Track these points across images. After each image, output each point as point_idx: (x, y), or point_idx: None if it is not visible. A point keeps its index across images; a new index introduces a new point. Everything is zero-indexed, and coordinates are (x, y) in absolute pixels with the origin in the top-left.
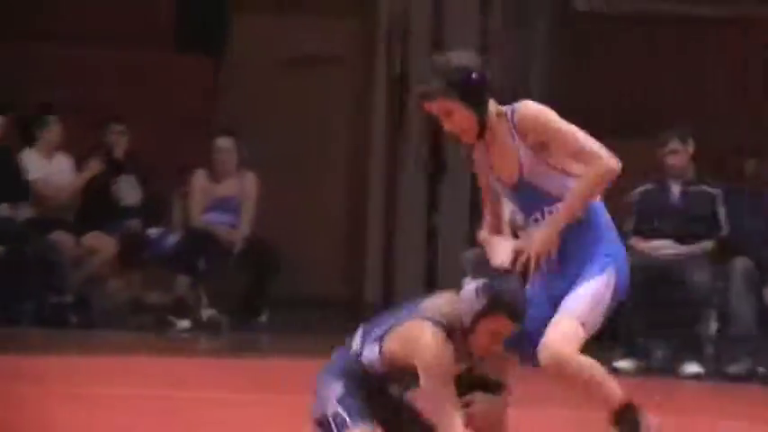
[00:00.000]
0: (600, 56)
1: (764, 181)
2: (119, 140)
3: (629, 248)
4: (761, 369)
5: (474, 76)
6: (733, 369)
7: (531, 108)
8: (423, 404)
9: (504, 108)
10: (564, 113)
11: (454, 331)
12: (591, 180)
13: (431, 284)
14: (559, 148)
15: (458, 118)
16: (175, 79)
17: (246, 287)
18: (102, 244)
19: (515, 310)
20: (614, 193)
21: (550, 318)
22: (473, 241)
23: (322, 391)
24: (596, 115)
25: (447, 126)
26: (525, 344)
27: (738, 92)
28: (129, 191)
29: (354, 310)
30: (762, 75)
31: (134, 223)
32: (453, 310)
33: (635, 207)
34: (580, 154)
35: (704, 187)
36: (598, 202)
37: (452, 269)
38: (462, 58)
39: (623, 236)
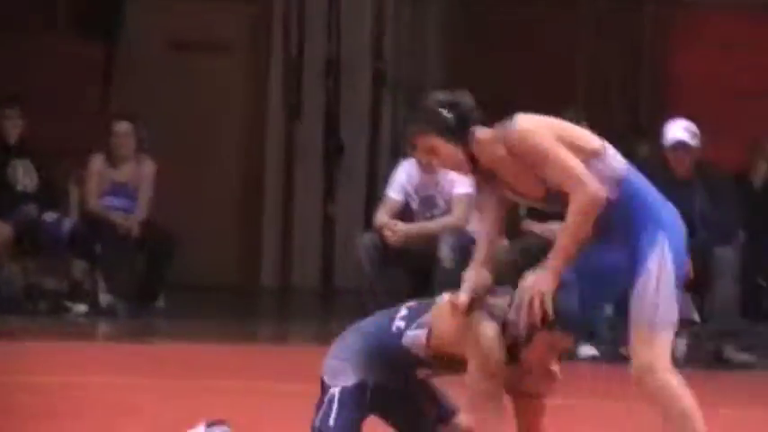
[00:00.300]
0: (495, 37)
1: (657, 163)
2: (13, 125)
3: (523, 232)
4: None
5: (448, 108)
6: (627, 350)
7: (517, 130)
8: (466, 399)
9: (499, 130)
10: None
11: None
12: (577, 217)
13: (327, 270)
14: (545, 173)
15: (443, 154)
16: (71, 63)
17: (143, 272)
18: None
19: (576, 326)
20: None
21: (594, 291)
22: (369, 227)
23: (341, 360)
24: (492, 96)
25: (438, 164)
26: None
27: (631, 74)
28: (24, 176)
29: (251, 295)
30: (652, 57)
31: (30, 208)
32: (513, 316)
33: None
34: (564, 184)
35: None
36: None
37: (348, 255)
38: (438, 95)
39: (518, 218)
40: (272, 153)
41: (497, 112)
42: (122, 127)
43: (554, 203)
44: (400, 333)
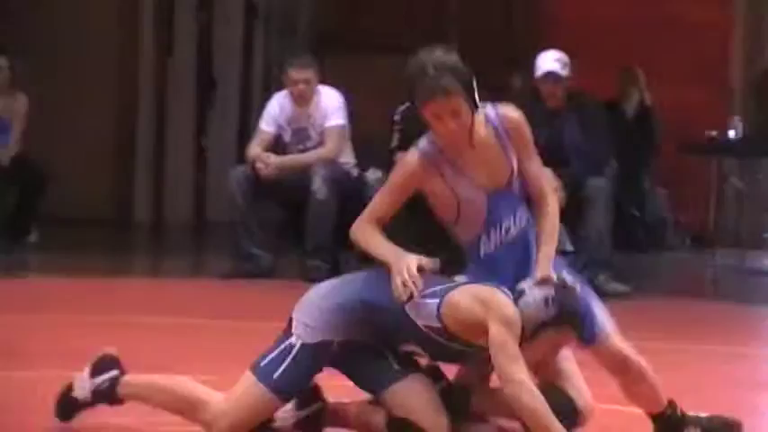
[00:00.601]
0: None
1: (529, 93)
2: None
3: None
4: None
5: (472, 75)
6: None
7: (516, 113)
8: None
9: (482, 111)
10: (334, 36)
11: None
12: (556, 214)
13: (199, 204)
14: (527, 165)
15: (463, 119)
16: None
17: (14, 206)
18: None
19: (581, 324)
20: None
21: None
22: (242, 160)
23: (321, 312)
24: (365, 34)
25: (449, 128)
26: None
27: (505, 7)
28: None
29: (124, 229)
30: None
31: None
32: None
33: (398, 125)
34: (543, 180)
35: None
36: None
37: (221, 188)
38: (452, 54)
39: (390, 153)
40: (145, 88)
41: (356, 47)
42: None
43: (500, 199)
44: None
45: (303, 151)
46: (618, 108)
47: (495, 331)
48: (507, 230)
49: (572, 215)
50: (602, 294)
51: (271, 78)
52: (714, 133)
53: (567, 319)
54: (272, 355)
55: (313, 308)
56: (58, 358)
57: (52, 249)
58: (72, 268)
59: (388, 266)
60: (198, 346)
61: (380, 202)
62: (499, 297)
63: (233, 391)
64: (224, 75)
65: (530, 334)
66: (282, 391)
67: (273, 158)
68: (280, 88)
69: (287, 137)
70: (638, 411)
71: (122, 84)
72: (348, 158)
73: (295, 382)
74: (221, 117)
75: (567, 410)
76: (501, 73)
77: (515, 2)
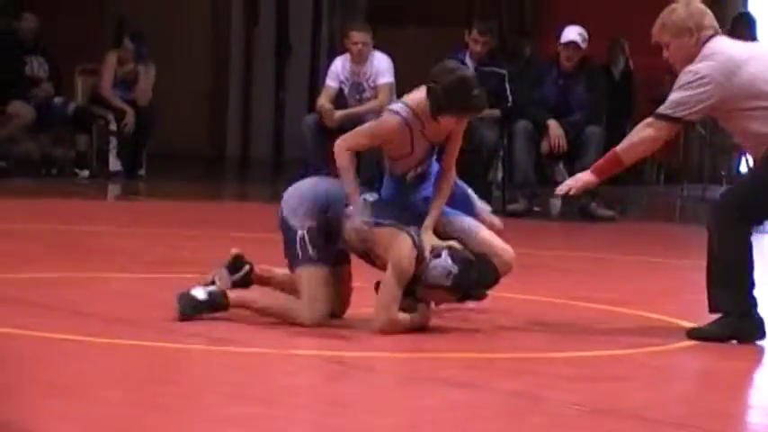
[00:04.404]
0: None
1: (541, 59)
2: (29, 27)
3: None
4: (535, 208)
5: None
6: (513, 207)
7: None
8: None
9: None
10: (384, 10)
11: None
12: (450, 184)
13: (278, 144)
14: (452, 142)
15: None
16: None
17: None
18: (22, 111)
19: (461, 297)
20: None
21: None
22: (312, 110)
23: (298, 204)
24: (406, 8)
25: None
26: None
27: None
28: (38, 69)
29: (217, 162)
30: None
31: (43, 89)
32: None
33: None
34: (453, 156)
35: (494, 68)
36: None
37: (294, 132)
38: None
39: None
40: (235, 51)
41: (399, 20)
42: (128, 43)
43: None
44: (347, 215)
45: (359, 102)
46: (608, 71)
47: (388, 274)
48: (425, 171)
49: (572, 154)
50: (594, 218)
51: (335, 44)
52: None
53: (455, 291)
54: (299, 249)
55: (300, 200)
56: (169, 264)
57: (160, 178)
58: (176, 193)
59: (350, 201)
60: (276, 255)
61: (362, 141)
62: (403, 250)
63: (300, 289)
64: (297, 41)
65: (429, 285)
66: (321, 259)
67: (337, 114)
68: (342, 51)
69: (346, 90)
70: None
71: (217, 48)
72: None
73: (319, 251)
74: (295, 74)
75: (488, 271)
76: (514, 41)
77: None
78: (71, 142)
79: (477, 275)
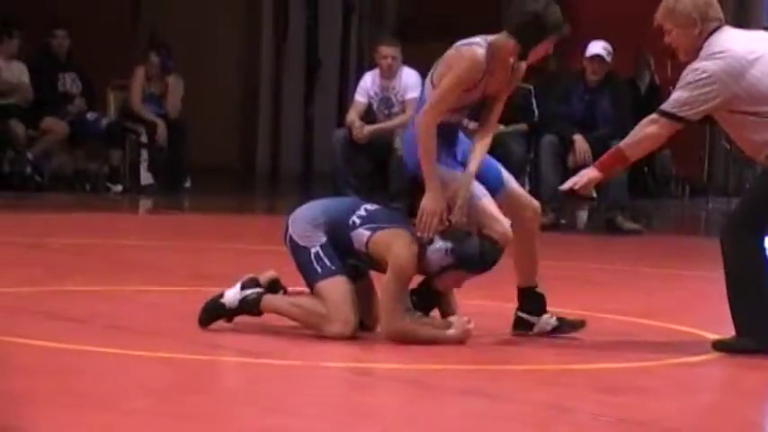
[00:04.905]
0: None
1: (565, 73)
2: (60, 44)
3: (466, 129)
4: (562, 221)
5: None
6: (541, 220)
7: None
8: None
9: None
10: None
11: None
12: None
13: (308, 158)
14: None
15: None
16: None
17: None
18: (56, 126)
19: (472, 268)
20: None
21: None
22: (340, 125)
23: (307, 224)
24: (433, 23)
25: (536, 57)
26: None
27: None
28: (71, 85)
29: (248, 176)
30: None
31: (76, 105)
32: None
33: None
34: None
35: (521, 83)
36: None
37: (324, 146)
38: None
39: None
40: (265, 67)
41: (427, 36)
42: (154, 57)
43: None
44: (353, 227)
45: (388, 116)
46: (634, 85)
47: (388, 277)
48: (458, 121)
49: None
50: (620, 231)
51: (363, 59)
52: None
53: (461, 266)
54: (317, 265)
55: (303, 223)
56: (201, 278)
57: (192, 192)
58: (207, 206)
59: (429, 187)
60: None
61: (448, 95)
62: (401, 249)
63: (324, 302)
64: (327, 56)
65: (435, 273)
66: (341, 271)
67: (367, 128)
68: (371, 67)
69: (375, 105)
70: (642, 321)
71: (247, 64)
72: None
73: (335, 261)
74: (324, 90)
75: (491, 245)
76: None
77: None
78: (104, 157)
79: (479, 246)
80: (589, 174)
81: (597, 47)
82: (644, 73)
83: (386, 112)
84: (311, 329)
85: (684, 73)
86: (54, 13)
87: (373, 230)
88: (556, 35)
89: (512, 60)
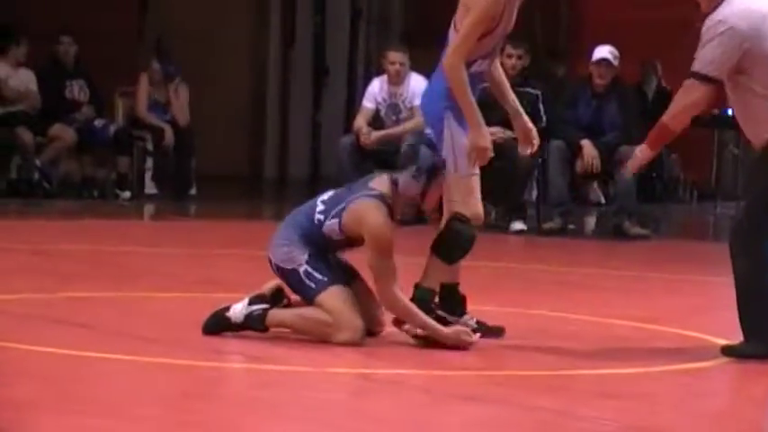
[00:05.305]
0: None
1: (573, 79)
2: (67, 51)
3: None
4: (570, 226)
5: None
6: (549, 226)
7: None
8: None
9: None
10: (411, 28)
11: (393, 205)
12: None
13: (315, 164)
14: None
15: None
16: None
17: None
18: (64, 134)
19: (443, 167)
20: None
21: None
22: (348, 131)
23: (284, 246)
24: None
25: None
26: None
27: (552, 10)
28: (79, 92)
29: (256, 183)
30: None
31: (84, 113)
32: (391, 192)
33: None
34: None
35: (529, 89)
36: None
37: (331, 153)
38: None
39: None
40: (273, 73)
41: (435, 42)
42: (156, 65)
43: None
44: (321, 224)
45: (396, 123)
46: (641, 91)
47: (369, 254)
48: (484, 70)
49: (605, 174)
50: (628, 236)
51: (371, 65)
52: (716, 111)
53: (433, 177)
54: (310, 282)
55: (280, 247)
56: (208, 284)
57: (199, 199)
58: (215, 213)
59: (471, 123)
60: None
61: (472, 36)
62: (370, 219)
63: (330, 313)
64: (334, 62)
65: (420, 200)
66: (335, 280)
67: (374, 134)
68: (378, 73)
69: (383, 111)
70: (659, 328)
71: (255, 70)
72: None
73: (325, 272)
74: (332, 96)
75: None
76: (548, 63)
77: (560, 7)
78: (112, 164)
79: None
80: (644, 153)
81: (603, 51)
82: (651, 79)
83: (394, 117)
84: (320, 339)
85: (705, 28)
86: (61, 21)
87: (339, 216)
88: None
89: None
